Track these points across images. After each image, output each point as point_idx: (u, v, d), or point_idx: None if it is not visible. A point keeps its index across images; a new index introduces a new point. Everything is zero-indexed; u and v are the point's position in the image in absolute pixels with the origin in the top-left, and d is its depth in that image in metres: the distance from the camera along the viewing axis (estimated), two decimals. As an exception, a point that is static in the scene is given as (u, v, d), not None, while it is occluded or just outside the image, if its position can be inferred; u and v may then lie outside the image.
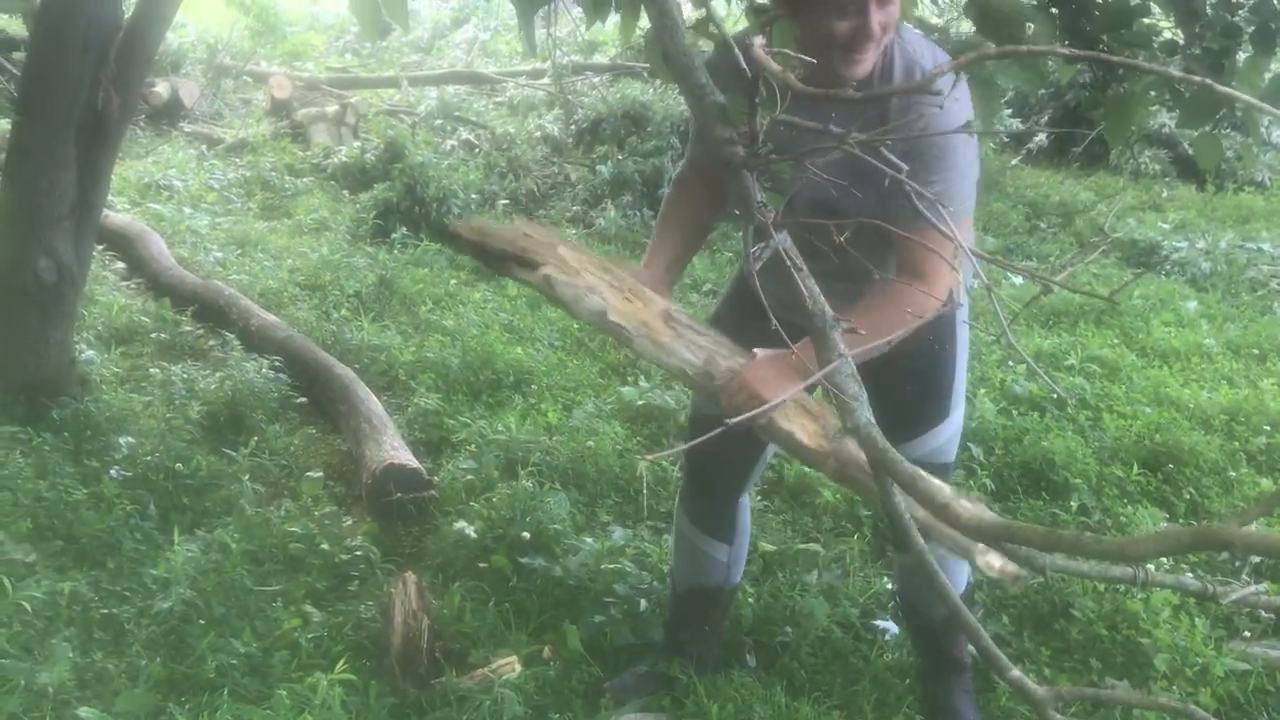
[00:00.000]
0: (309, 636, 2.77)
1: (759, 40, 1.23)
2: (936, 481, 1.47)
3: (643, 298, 2.07)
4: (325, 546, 3.18)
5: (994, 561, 1.87)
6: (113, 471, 3.38)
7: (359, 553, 3.17)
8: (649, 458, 1.63)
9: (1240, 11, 2.76)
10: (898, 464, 1.48)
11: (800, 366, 1.91)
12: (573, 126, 8.14)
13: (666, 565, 3.13)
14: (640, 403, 4.18)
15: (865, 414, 1.54)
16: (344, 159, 7.49)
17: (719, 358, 2.05)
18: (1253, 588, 1.52)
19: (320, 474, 3.62)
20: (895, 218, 1.91)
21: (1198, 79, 0.96)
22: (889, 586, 3.13)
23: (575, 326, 4.97)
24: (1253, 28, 2.64)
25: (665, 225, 2.35)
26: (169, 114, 8.48)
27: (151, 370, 4.22)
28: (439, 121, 8.47)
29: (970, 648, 2.58)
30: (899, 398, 2.09)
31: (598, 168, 7.38)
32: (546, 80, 9.13)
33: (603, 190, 7.17)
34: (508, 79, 9.63)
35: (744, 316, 2.23)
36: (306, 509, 3.39)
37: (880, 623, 3.01)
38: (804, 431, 1.98)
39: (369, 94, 9.37)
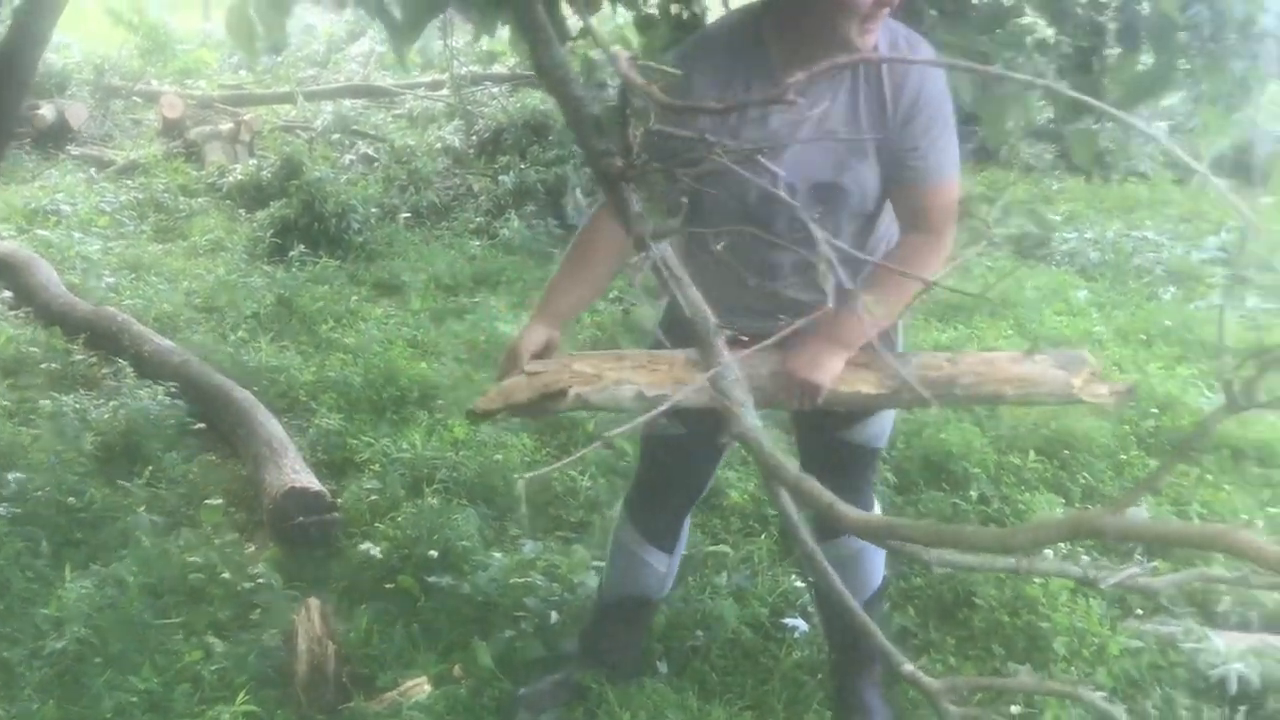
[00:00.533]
0: (211, 668, 2.71)
1: (624, 53, 1.24)
2: (820, 485, 1.49)
3: (663, 360, 2.08)
4: (227, 575, 3.11)
5: (1101, 389, 2.05)
6: (1, 509, 3.27)
7: (262, 580, 3.10)
8: (527, 475, 1.64)
9: (1107, 11, 2.86)
10: (782, 468, 1.50)
11: (833, 336, 2.03)
12: (474, 137, 8.09)
13: (578, 576, 3.12)
14: (548, 413, 4.16)
15: (751, 418, 1.55)
16: (239, 177, 7.34)
17: (756, 369, 2.07)
18: (1131, 570, 1.57)
19: (220, 501, 3.53)
20: (899, 181, 2.07)
21: (1042, 82, 0.99)
22: (797, 584, 3.16)
23: (481, 339, 4.95)
24: (1118, 26, 2.73)
25: (573, 268, 2.26)
26: (55, 137, 8.25)
27: (41, 402, 4.08)
28: (336, 136, 8.37)
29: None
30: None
31: (500, 178, 7.33)
32: (445, 91, 9.06)
33: (506, 200, 7.13)
34: (406, 91, 9.54)
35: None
36: (207, 538, 3.31)
37: (789, 620, 3.04)
38: (867, 384, 2.11)
39: (264, 110, 9.21)
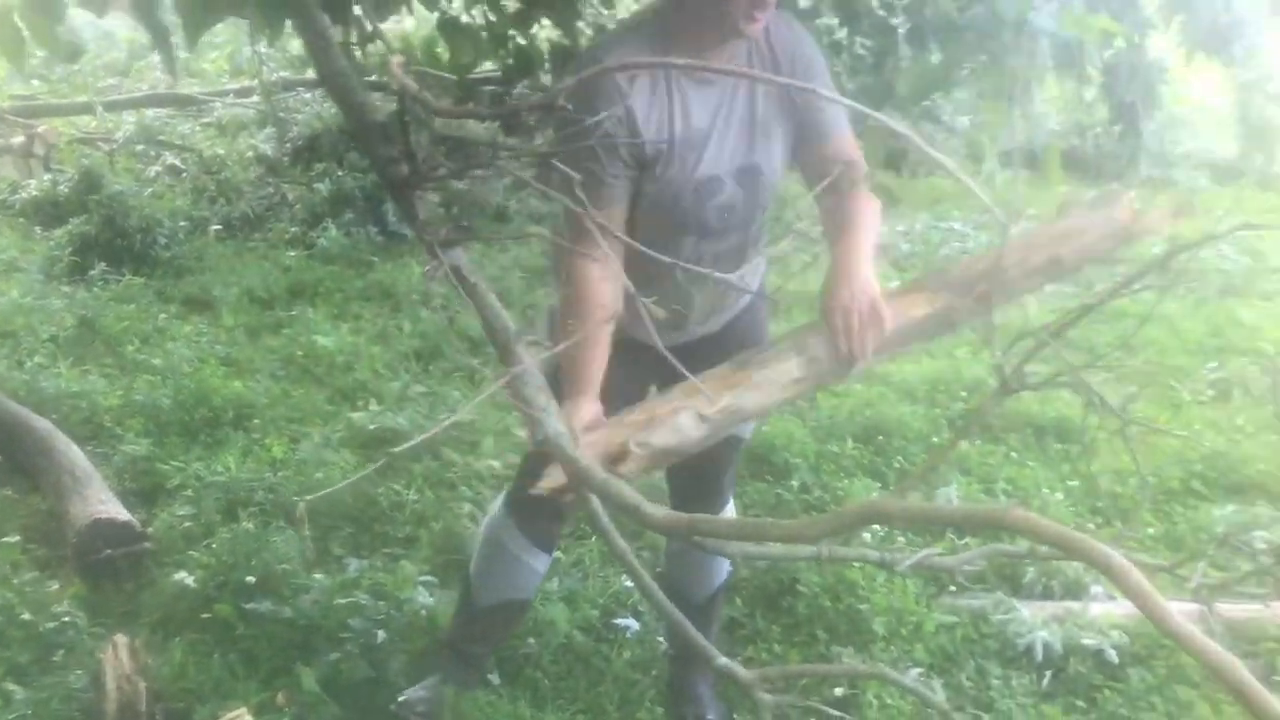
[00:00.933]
0: (10, 717, 2.56)
1: (396, 59, 1.22)
2: (628, 487, 1.50)
3: (706, 378, 1.93)
4: (27, 616, 2.93)
5: (1153, 219, 2.01)
6: None
7: (66, 619, 2.93)
8: (307, 498, 1.60)
9: (897, 14, 2.97)
10: (589, 471, 1.51)
11: (849, 261, 2.05)
12: (287, 144, 7.83)
13: (404, 593, 3.06)
14: (372, 427, 4.08)
15: (554, 424, 1.55)
16: (34, 193, 6.93)
17: (805, 344, 2.00)
18: (926, 551, 1.63)
19: (18, 538, 3.33)
20: (812, 140, 2.18)
21: (804, 87, 1.01)
22: (628, 584, 3.17)
23: (299, 353, 4.80)
24: (907, 28, 2.84)
25: (584, 330, 2.03)
26: None
27: None
28: (140, 147, 7.99)
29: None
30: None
31: (316, 186, 7.12)
32: (255, 98, 8.76)
33: (323, 209, 6.92)
34: (214, 99, 9.17)
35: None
36: (3, 578, 3.12)
37: (621, 621, 3.05)
38: (917, 306, 2.03)
39: (61, 122, 8.70)
